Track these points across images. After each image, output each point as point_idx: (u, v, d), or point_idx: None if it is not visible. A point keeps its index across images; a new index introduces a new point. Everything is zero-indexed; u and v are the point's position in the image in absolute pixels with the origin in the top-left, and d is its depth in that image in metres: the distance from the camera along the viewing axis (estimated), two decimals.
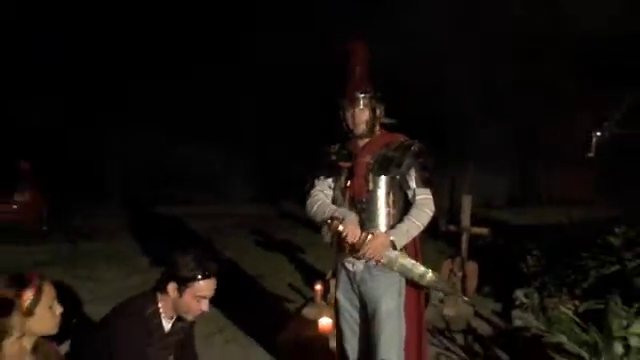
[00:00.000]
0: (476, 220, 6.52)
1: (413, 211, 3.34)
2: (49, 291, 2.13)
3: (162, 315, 2.83)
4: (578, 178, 11.03)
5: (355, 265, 3.39)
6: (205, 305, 2.81)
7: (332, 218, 3.28)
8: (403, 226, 3.30)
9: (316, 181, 3.57)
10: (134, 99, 14.78)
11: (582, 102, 8.83)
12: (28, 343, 1.87)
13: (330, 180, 3.54)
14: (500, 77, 12.18)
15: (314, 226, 3.63)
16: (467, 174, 12.07)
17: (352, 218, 3.31)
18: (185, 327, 3.00)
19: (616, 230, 5.11)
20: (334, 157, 3.56)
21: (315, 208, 3.46)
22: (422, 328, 3.56)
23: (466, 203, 6.39)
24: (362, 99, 3.37)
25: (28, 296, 2.04)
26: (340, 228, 3.24)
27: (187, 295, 2.76)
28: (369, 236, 3.22)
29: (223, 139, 15.62)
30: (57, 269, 7.65)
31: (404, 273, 3.31)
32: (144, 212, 13.57)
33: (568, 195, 11.40)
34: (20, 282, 2.07)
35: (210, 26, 14.27)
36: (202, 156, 16.21)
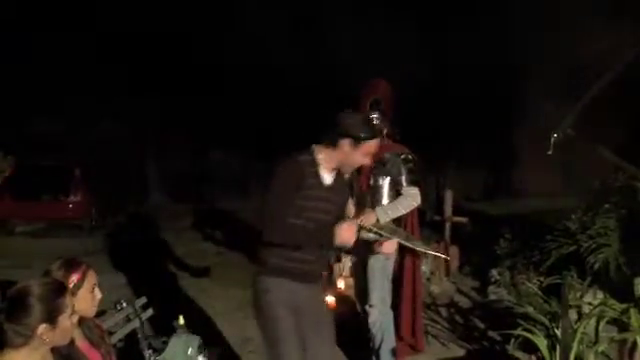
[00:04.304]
0: (457, 211, 6.54)
1: (399, 198, 3.66)
2: (92, 277, 2.14)
3: (320, 165, 2.71)
4: (542, 173, 10.99)
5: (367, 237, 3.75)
6: (368, 160, 2.78)
7: None
8: (386, 206, 3.64)
9: None
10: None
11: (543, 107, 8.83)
12: (75, 318, 1.90)
13: None
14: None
15: None
16: (449, 173, 12.13)
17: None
18: (344, 186, 2.90)
19: (573, 217, 5.11)
20: None
21: None
22: (418, 300, 4.04)
23: (448, 197, 6.40)
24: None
25: (73, 279, 2.06)
26: None
27: (359, 151, 2.67)
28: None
29: (241, 147, 15.69)
30: (102, 257, 7.70)
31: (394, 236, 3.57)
32: (176, 209, 13.62)
33: (534, 188, 11.37)
34: (70, 266, 2.09)
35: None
36: (224, 160, 16.31)
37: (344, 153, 2.67)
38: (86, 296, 2.10)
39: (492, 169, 14.43)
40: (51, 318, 1.76)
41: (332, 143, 2.67)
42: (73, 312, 1.87)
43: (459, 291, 5.97)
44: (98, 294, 2.17)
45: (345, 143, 2.63)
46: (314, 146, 2.75)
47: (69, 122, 14.71)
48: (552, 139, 3.84)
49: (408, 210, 3.64)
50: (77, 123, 14.78)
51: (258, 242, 2.71)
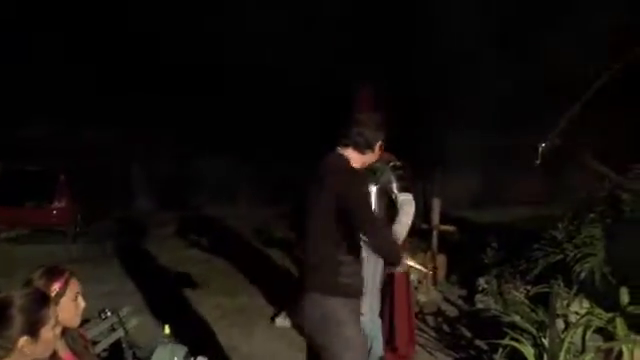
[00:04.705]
0: (445, 219, 6.55)
1: (401, 213, 3.70)
2: (74, 285, 2.09)
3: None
4: (530, 182, 11.09)
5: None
6: None
7: None
8: (398, 225, 3.66)
9: None
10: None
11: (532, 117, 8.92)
12: (57, 330, 1.86)
13: None
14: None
15: None
16: (436, 180, 12.12)
17: None
18: None
19: (559, 225, 5.15)
20: None
21: None
22: (411, 310, 4.18)
23: (436, 205, 6.41)
24: None
25: (55, 288, 2.02)
26: None
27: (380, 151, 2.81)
28: None
29: (229, 151, 15.61)
30: (87, 264, 7.58)
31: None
32: (163, 216, 13.49)
33: (522, 197, 11.46)
34: (51, 275, 2.05)
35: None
36: (212, 165, 16.22)
37: (376, 155, 2.74)
38: (69, 305, 2.05)
39: (480, 177, 14.49)
40: (33, 330, 1.72)
41: (366, 146, 2.67)
42: (56, 323, 1.83)
43: (446, 300, 5.97)
44: (81, 303, 2.12)
45: (378, 145, 2.71)
46: (341, 149, 2.68)
47: (53, 126, 14.57)
48: (540, 148, 3.88)
49: (412, 217, 3.72)
50: (62, 127, 14.64)
51: (327, 258, 2.60)
